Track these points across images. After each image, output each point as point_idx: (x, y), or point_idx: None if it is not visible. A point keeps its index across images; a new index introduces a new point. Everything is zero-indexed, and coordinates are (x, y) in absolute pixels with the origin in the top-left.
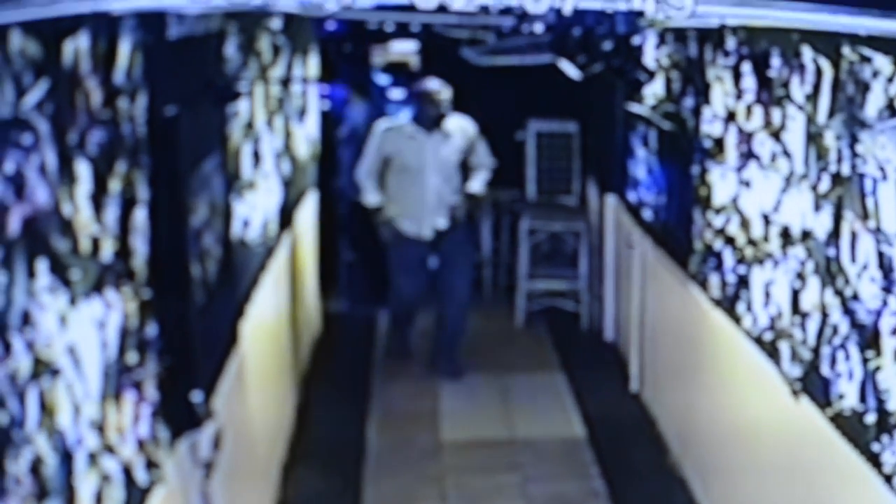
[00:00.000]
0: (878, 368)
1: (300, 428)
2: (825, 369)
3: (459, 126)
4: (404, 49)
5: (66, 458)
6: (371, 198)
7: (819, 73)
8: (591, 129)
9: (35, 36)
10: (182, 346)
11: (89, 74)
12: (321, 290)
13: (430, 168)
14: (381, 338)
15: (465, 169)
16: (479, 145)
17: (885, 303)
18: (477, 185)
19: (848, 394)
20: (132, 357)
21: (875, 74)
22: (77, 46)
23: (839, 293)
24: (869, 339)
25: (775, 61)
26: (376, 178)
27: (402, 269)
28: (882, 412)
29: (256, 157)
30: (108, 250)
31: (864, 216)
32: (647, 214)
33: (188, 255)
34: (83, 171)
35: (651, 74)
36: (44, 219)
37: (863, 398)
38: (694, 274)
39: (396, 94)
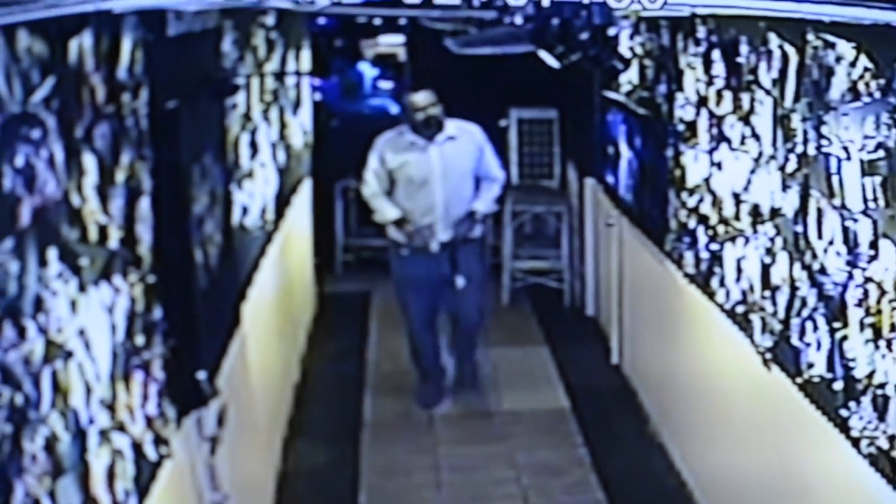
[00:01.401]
0: (844, 338)
1: (299, 404)
2: (795, 340)
3: (462, 130)
4: (392, 42)
5: (80, 435)
6: (389, 213)
7: (785, 58)
8: (570, 116)
9: (41, 35)
10: (186, 328)
11: (93, 71)
12: (317, 272)
13: (435, 178)
14: (375, 315)
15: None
16: (488, 152)
17: (850, 276)
18: (482, 203)
19: (816, 362)
20: (139, 339)
21: (838, 59)
22: (81, 44)
23: (807, 267)
24: (836, 311)
25: (743, 48)
26: (385, 194)
27: (410, 281)
28: (849, 379)
29: (254, 147)
30: (114, 238)
31: (830, 194)
32: (624, 196)
33: (191, 241)
34: (89, 163)
35: (626, 63)
36: (53, 209)
37: (830, 367)
38: (669, 251)
39: (384, 84)
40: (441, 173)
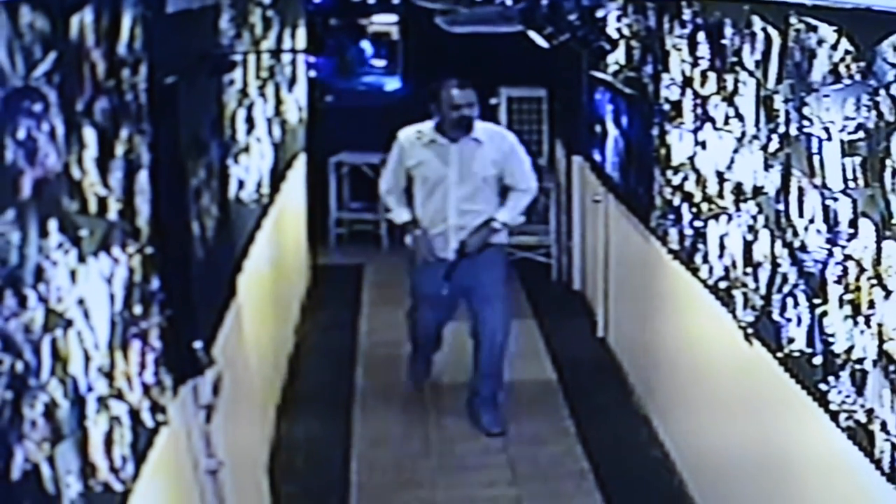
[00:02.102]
0: (824, 314)
1: (293, 374)
2: (776, 315)
3: (490, 134)
4: (385, 21)
5: (78, 402)
6: (399, 215)
7: (768, 41)
8: (558, 95)
9: (43, 11)
10: (183, 299)
11: (94, 46)
12: (310, 244)
13: (451, 181)
14: (367, 288)
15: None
16: (517, 160)
17: (829, 253)
18: (506, 213)
19: (797, 338)
20: (137, 309)
21: (820, 42)
22: (82, 20)
23: (788, 245)
24: (816, 287)
25: (728, 31)
26: (401, 193)
27: (423, 292)
28: (828, 354)
29: (250, 122)
30: (113, 210)
31: (811, 173)
32: (610, 173)
33: (188, 214)
34: (90, 136)
35: (614, 43)
36: (54, 181)
37: (810, 342)
38: (654, 228)
39: (378, 62)
40: (457, 177)
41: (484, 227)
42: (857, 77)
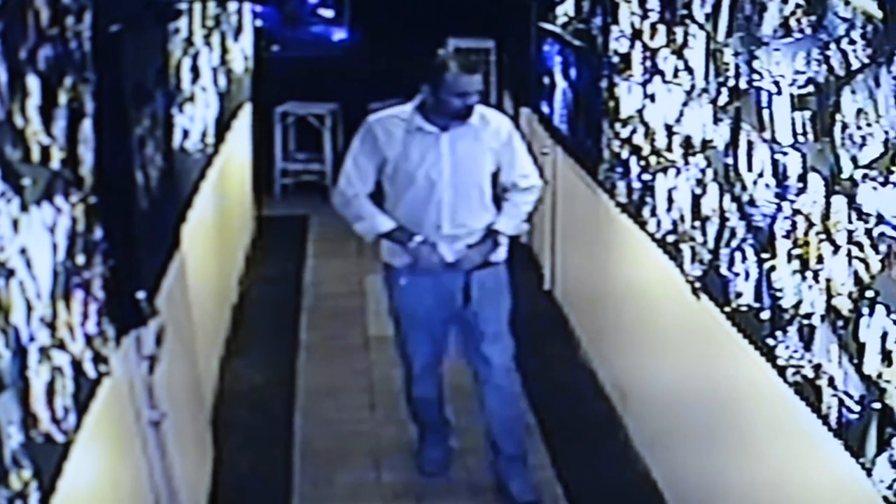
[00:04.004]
0: (772, 268)
1: (236, 325)
2: (724, 269)
3: (487, 118)
4: None
5: (20, 353)
6: (379, 223)
7: None
8: (506, 47)
9: None
10: (127, 249)
11: None
12: (255, 195)
13: (445, 179)
14: (312, 239)
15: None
16: (518, 150)
17: (778, 208)
18: (508, 221)
19: (745, 292)
20: (80, 259)
21: None
22: None
23: (736, 199)
24: (764, 242)
25: None
26: (368, 197)
27: (417, 321)
28: (776, 309)
29: (195, 71)
30: (56, 159)
31: (760, 127)
32: (559, 126)
33: (132, 163)
34: (33, 84)
35: None
36: None
37: (758, 296)
38: (602, 181)
39: (325, 12)
40: (451, 173)
41: (486, 238)
42: (808, 31)
